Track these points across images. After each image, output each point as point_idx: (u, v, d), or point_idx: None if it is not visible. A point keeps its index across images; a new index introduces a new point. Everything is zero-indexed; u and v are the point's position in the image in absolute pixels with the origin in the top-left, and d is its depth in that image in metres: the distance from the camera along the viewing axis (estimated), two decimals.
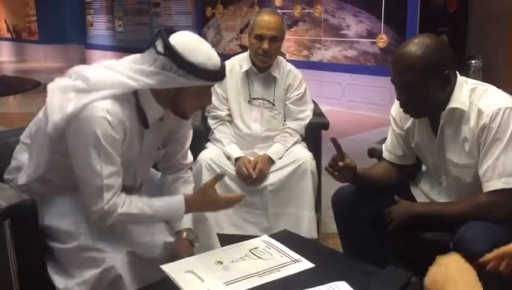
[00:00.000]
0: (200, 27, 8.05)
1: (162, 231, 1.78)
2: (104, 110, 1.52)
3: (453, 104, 1.73)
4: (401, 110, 1.82)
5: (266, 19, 2.51)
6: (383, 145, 2.03)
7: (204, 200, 1.76)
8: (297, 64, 2.78)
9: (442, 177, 1.87)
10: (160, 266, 1.54)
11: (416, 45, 1.69)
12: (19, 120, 6.09)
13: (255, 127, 2.63)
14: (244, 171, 2.48)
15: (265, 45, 2.50)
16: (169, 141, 1.84)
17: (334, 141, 1.78)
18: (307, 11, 6.55)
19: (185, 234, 1.77)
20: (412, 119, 1.88)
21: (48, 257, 1.66)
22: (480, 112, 1.68)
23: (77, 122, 1.53)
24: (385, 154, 2.01)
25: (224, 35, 7.75)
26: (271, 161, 2.53)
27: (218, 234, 2.35)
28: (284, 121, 2.66)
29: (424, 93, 1.71)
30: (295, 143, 2.61)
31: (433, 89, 1.71)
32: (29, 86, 8.06)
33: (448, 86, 1.72)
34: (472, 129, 1.71)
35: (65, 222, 1.66)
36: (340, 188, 1.98)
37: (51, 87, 1.65)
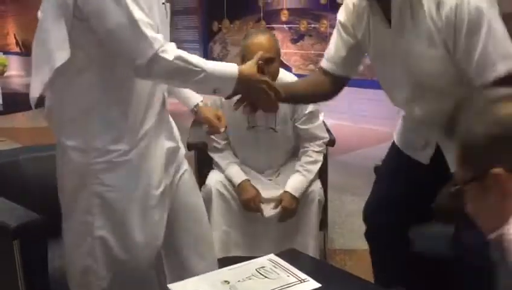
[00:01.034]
0: (206, 42, 8.11)
1: None
2: None
3: None
4: (353, 16, 1.70)
5: (257, 42, 2.23)
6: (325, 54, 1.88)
7: (255, 73, 1.56)
8: None
9: (409, 90, 1.75)
10: (168, 285, 1.55)
11: None
12: (29, 135, 6.15)
13: (258, 154, 2.52)
14: (256, 208, 2.41)
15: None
16: None
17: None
18: (312, 25, 6.58)
19: (201, 104, 2.19)
20: (365, 23, 1.72)
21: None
22: (440, 2, 1.51)
23: None
24: (324, 64, 1.87)
25: (230, 49, 7.80)
26: (295, 198, 2.39)
27: (224, 258, 2.32)
28: (302, 145, 2.51)
29: None
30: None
31: None
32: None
33: None
34: (432, 16, 1.53)
35: None
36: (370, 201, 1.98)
37: None
